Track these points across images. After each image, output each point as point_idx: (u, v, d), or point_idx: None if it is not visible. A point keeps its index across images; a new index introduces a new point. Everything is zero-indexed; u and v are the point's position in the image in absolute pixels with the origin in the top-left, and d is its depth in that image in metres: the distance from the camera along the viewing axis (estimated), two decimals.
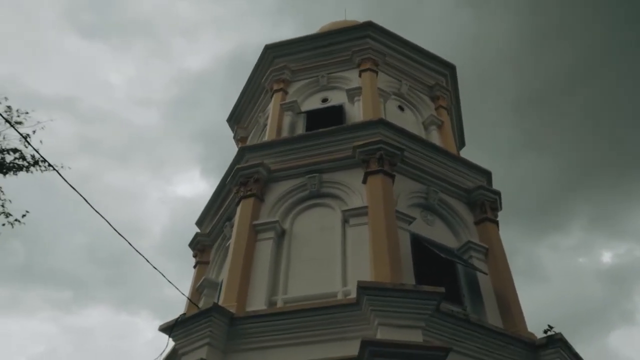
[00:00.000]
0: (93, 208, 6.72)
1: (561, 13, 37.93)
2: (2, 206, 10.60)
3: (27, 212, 10.90)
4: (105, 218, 6.79)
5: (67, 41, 44.39)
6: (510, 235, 39.57)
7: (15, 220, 10.62)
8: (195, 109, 46.81)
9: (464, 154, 14.19)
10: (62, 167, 11.51)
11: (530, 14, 39.46)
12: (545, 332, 7.80)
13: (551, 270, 40.25)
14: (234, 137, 14.93)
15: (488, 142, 39.32)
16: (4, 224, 10.62)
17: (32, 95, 36.00)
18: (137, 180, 44.52)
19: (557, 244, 41.00)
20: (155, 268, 6.44)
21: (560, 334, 7.66)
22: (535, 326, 8.49)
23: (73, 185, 6.66)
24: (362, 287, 6.99)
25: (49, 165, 9.71)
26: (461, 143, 15.45)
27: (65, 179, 6.98)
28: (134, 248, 7.13)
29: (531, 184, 39.09)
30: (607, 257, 42.14)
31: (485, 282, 9.10)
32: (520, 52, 40.09)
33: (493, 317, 8.48)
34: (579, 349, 7.94)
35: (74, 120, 42.34)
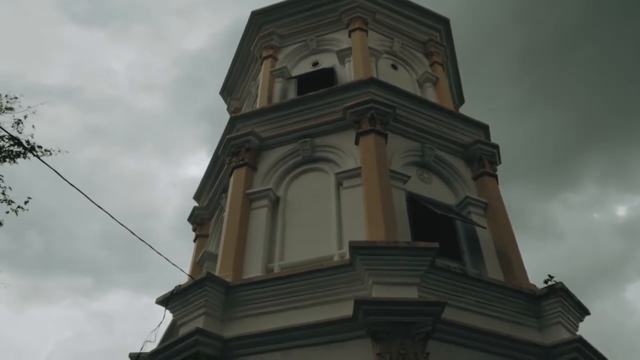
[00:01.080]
0: (86, 196, 6.60)
1: None
2: (3, 194, 10.60)
3: (29, 198, 10.88)
4: (95, 202, 6.68)
5: (65, 31, 44.06)
6: (523, 193, 39.14)
7: (18, 207, 10.63)
8: (198, 88, 46.53)
9: (466, 110, 13.84)
10: (59, 151, 11.44)
11: None
12: (546, 282, 7.66)
13: (565, 227, 39.98)
14: (228, 109, 14.71)
15: (495, 99, 38.66)
16: (7, 212, 10.64)
17: (35, 88, 35.93)
18: (146, 165, 44.61)
19: (570, 200, 40.57)
20: (142, 239, 6.36)
21: (561, 283, 7.53)
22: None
23: (62, 174, 6.53)
24: (354, 247, 6.87)
25: (29, 150, 9.62)
26: (460, 99, 15.09)
27: (52, 166, 6.83)
28: (124, 226, 7.05)
29: (541, 141, 38.48)
30: (621, 210, 41.70)
31: (485, 236, 8.94)
32: (524, 5, 38.94)
33: (494, 271, 8.34)
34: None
35: (79, 109, 42.38)
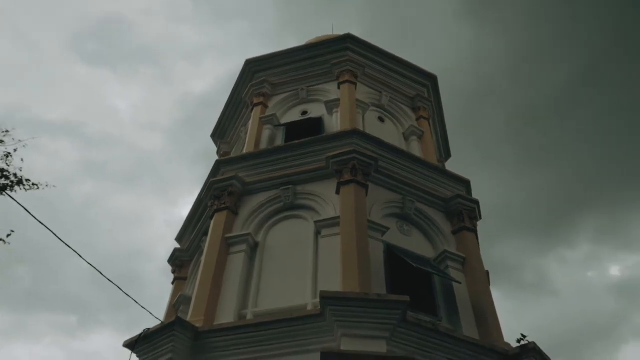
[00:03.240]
0: (59, 238, 6.63)
1: (557, 26, 38.10)
2: None
3: (12, 231, 10.85)
4: (70, 246, 6.68)
5: (74, 69, 45.16)
6: (518, 249, 39.17)
7: (0, 239, 10.58)
8: (198, 130, 47.29)
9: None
10: (47, 185, 11.52)
11: (526, 29, 39.77)
12: (519, 341, 7.59)
13: (560, 284, 39.82)
14: (217, 152, 14.90)
15: (494, 154, 39.26)
16: None
17: (38, 122, 36.46)
18: (142, 204, 44.59)
19: (565, 257, 40.63)
20: (109, 280, 6.32)
21: (533, 342, 7.45)
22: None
23: (33, 213, 6.57)
24: (325, 297, 6.84)
25: (16, 184, 9.68)
26: (447, 154, 15.34)
27: (24, 206, 6.87)
28: (100, 273, 7.03)
29: (538, 196, 38.87)
30: (615, 270, 41.58)
31: (461, 292, 8.91)
32: (522, 65, 40.28)
33: (469, 327, 8.28)
34: None
35: (80, 145, 42.82)
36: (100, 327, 38.75)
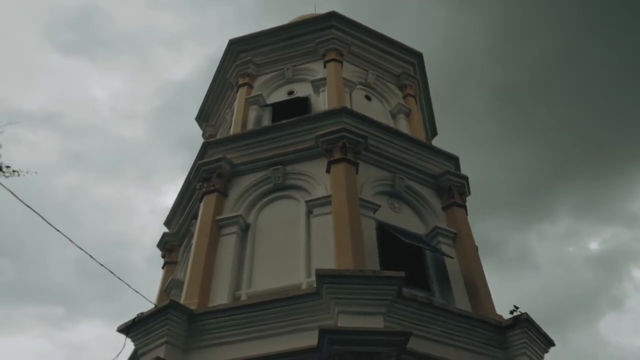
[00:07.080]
0: (50, 224, 6.47)
1: (538, 3, 38.17)
2: None
3: None
4: (60, 230, 6.53)
5: (51, 59, 43.73)
6: (500, 224, 39.77)
7: None
8: (180, 117, 46.54)
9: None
10: (27, 172, 11.20)
11: (507, 7, 39.78)
12: (512, 312, 7.71)
13: (541, 258, 40.51)
14: (203, 135, 14.69)
15: (473, 132, 39.52)
16: None
17: (15, 112, 35.44)
18: (126, 193, 43.87)
19: (546, 232, 41.23)
20: (102, 265, 6.21)
21: (526, 313, 7.57)
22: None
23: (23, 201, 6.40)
24: (321, 275, 6.84)
25: None
26: (433, 131, 15.36)
27: (16, 195, 6.69)
28: (82, 249, 6.90)
29: (517, 173, 39.36)
30: (594, 244, 42.54)
31: (453, 266, 8.99)
32: (500, 43, 40.39)
33: (461, 301, 8.37)
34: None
35: (59, 135, 41.89)
36: (88, 318, 38.48)
